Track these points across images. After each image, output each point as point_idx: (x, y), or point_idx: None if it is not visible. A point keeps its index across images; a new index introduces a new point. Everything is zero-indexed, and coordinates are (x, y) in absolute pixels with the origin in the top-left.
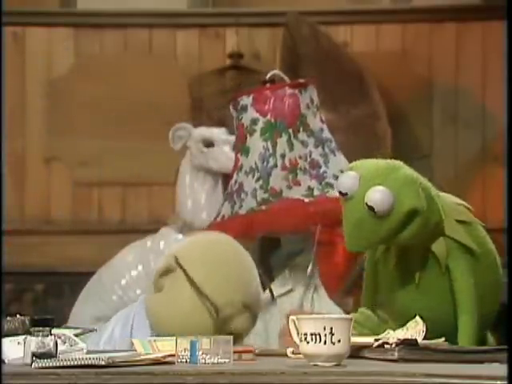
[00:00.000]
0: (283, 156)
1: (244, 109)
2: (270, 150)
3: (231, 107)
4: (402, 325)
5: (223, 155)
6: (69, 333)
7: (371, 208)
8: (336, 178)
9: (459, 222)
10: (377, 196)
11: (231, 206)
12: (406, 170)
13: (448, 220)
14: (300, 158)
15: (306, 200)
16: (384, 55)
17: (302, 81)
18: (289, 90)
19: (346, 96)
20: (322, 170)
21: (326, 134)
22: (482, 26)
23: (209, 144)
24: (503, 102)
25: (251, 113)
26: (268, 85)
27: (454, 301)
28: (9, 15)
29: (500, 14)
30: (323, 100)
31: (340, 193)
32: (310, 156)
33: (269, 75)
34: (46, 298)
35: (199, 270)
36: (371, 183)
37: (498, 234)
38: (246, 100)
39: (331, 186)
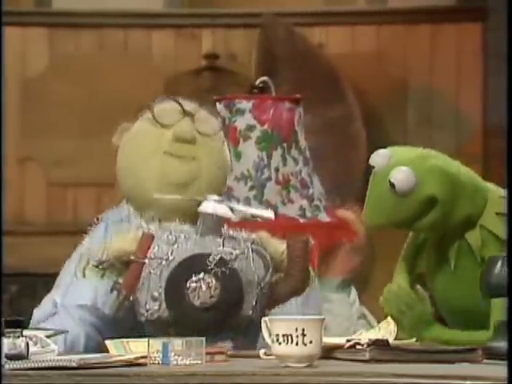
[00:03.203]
0: (277, 170)
1: (240, 112)
2: (265, 161)
3: (222, 105)
4: (443, 311)
5: None
6: (40, 334)
7: (393, 185)
8: (319, 200)
9: (499, 214)
10: (400, 175)
11: None
12: (438, 161)
13: (488, 212)
14: (291, 175)
15: (301, 221)
16: (359, 56)
17: (298, 96)
18: (288, 104)
19: (321, 97)
20: (310, 191)
21: (308, 153)
22: (456, 28)
23: None
24: (479, 103)
25: (248, 118)
26: (255, 91)
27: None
28: None
29: (474, 16)
30: None
31: (371, 166)
32: (300, 174)
33: (258, 81)
34: (21, 298)
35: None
36: (399, 163)
37: None
38: (245, 105)
39: (319, 208)
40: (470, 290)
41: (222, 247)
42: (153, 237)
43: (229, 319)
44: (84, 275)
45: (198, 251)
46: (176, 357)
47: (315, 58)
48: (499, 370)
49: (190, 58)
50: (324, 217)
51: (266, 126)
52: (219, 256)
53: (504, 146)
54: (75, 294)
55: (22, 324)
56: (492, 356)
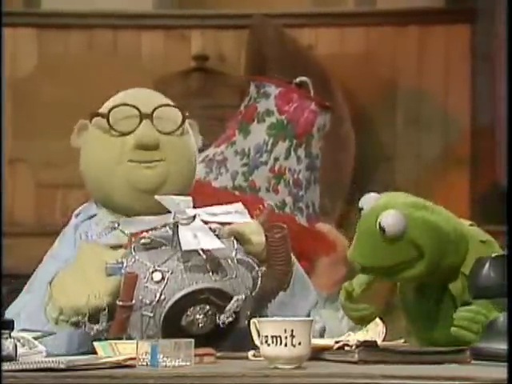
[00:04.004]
0: (276, 159)
1: (266, 96)
2: (269, 147)
3: (253, 83)
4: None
5: None
6: (28, 336)
7: (383, 229)
8: (307, 207)
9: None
10: (390, 218)
11: (206, 172)
12: (428, 214)
13: (470, 259)
14: (289, 170)
15: (276, 211)
16: (348, 58)
17: (327, 104)
18: (313, 106)
19: None
20: (300, 193)
21: (318, 163)
22: (444, 30)
23: None
24: (467, 104)
25: (270, 104)
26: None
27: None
28: None
29: (463, 18)
30: None
31: (360, 209)
32: (298, 174)
33: (298, 79)
34: (11, 300)
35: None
36: (389, 206)
37: None
38: (272, 89)
39: (301, 212)
40: (449, 330)
41: (210, 274)
42: (136, 277)
43: (226, 335)
44: (56, 323)
45: (190, 287)
46: (165, 358)
47: (304, 59)
48: (488, 370)
49: (180, 59)
50: (302, 221)
51: (283, 117)
52: (237, 301)
53: (492, 147)
54: (49, 342)
55: (11, 325)
56: (480, 357)
